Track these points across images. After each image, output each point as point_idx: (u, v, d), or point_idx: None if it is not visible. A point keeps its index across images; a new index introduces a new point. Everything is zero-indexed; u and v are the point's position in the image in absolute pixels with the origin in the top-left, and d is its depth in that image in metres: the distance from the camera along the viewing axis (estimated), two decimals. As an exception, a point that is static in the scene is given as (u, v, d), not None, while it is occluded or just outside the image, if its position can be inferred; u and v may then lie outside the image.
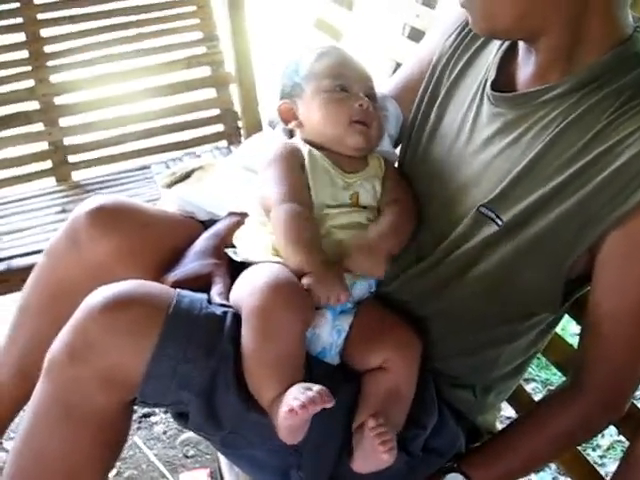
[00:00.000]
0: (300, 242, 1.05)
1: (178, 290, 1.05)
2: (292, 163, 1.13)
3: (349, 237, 1.09)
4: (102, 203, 1.21)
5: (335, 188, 1.13)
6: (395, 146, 1.27)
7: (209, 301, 1.07)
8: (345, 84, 1.16)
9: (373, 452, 0.98)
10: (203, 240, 1.21)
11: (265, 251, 1.10)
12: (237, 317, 1.04)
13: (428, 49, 1.25)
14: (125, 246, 1.19)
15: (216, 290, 1.10)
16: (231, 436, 1.05)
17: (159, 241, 1.22)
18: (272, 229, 1.10)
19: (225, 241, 1.20)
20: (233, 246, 1.19)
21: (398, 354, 1.04)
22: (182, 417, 1.06)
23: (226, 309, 1.05)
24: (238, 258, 1.15)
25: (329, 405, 0.94)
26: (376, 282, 1.12)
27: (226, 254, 1.18)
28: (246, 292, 1.04)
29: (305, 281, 1.02)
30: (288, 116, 1.20)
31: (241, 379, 1.01)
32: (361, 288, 1.10)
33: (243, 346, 1.01)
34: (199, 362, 1.00)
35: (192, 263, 1.17)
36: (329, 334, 1.07)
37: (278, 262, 1.07)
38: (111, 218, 1.20)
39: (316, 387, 0.94)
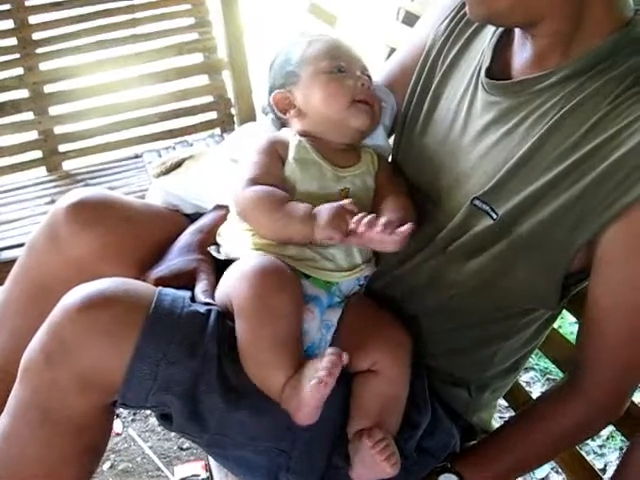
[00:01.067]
0: (286, 209, 1.03)
1: (159, 288, 1.02)
2: (270, 156, 1.10)
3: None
4: (83, 197, 1.17)
5: (324, 181, 1.10)
6: (389, 136, 1.24)
7: (192, 299, 1.04)
8: (343, 65, 1.13)
9: (375, 466, 0.96)
10: (188, 235, 1.18)
11: (246, 247, 1.07)
12: (221, 315, 1.01)
13: (422, 34, 1.22)
14: (107, 241, 1.16)
15: (200, 287, 1.07)
16: (217, 437, 1.02)
17: (142, 236, 1.19)
18: (245, 217, 1.07)
19: (210, 235, 1.17)
20: (217, 243, 1.16)
21: (388, 356, 1.01)
22: (166, 419, 1.03)
23: (210, 307, 1.02)
24: (220, 256, 1.13)
25: (346, 361, 0.93)
26: (365, 277, 1.10)
27: None
28: (234, 283, 1.01)
29: (318, 238, 1.00)
30: (284, 106, 1.16)
31: (224, 378, 0.98)
32: (349, 279, 1.07)
33: (240, 338, 0.98)
34: (181, 363, 0.97)
35: (176, 259, 1.14)
36: (318, 329, 1.04)
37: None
38: (92, 212, 1.17)
39: (328, 350, 0.93)
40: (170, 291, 1.02)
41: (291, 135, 1.14)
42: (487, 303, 1.04)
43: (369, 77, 1.16)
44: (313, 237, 1.01)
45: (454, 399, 1.12)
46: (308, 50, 1.15)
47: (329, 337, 1.05)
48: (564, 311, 1.15)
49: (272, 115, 1.20)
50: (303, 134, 1.13)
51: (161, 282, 1.09)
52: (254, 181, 1.06)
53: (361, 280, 1.09)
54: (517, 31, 1.04)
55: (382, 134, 1.20)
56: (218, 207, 1.22)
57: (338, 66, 1.13)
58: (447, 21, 1.17)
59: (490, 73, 1.06)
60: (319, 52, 1.14)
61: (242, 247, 1.08)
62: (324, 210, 1.01)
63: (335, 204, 1.01)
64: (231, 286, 1.02)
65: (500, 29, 1.08)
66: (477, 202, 1.00)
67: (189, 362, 0.97)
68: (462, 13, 1.14)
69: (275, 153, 1.10)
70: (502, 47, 1.07)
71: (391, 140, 1.24)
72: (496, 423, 1.22)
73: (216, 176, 1.27)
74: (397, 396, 1.03)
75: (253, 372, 0.98)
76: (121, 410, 1.95)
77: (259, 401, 0.99)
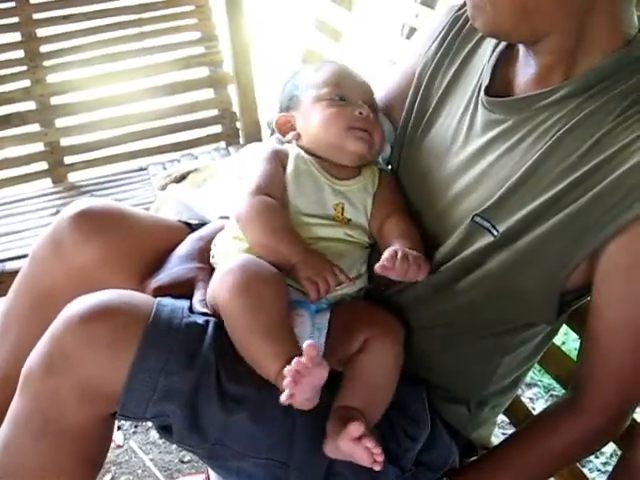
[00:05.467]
0: (283, 231, 1.05)
1: (158, 299, 1.03)
2: (275, 165, 1.12)
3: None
4: (86, 207, 1.18)
5: (320, 194, 1.11)
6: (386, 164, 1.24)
7: (190, 309, 1.04)
8: (344, 93, 1.15)
9: (358, 458, 0.94)
10: (188, 243, 1.19)
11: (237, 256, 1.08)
12: (219, 325, 1.02)
13: (410, 61, 1.23)
14: (110, 250, 1.17)
15: (198, 297, 1.08)
16: (216, 447, 1.02)
17: (145, 245, 1.20)
18: (243, 223, 1.08)
19: (210, 244, 1.18)
20: None
21: (379, 335, 1.02)
22: (166, 430, 1.03)
23: (208, 318, 1.03)
24: (214, 264, 1.14)
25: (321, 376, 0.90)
26: (358, 290, 1.10)
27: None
28: (218, 279, 1.03)
29: (297, 272, 1.01)
30: (286, 128, 1.19)
31: (223, 388, 0.99)
32: (335, 295, 1.08)
33: (229, 329, 0.99)
34: (180, 373, 0.97)
35: (175, 267, 1.15)
36: (310, 333, 1.04)
37: None
38: (96, 222, 1.18)
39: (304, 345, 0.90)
40: (169, 301, 1.03)
41: (292, 148, 1.15)
42: (485, 317, 1.04)
43: (373, 106, 1.17)
44: (292, 271, 1.03)
45: (453, 415, 1.11)
46: (313, 76, 1.18)
47: (323, 340, 1.05)
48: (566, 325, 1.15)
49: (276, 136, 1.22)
50: (304, 150, 1.15)
51: (160, 291, 1.10)
52: (261, 190, 1.08)
53: (353, 294, 1.10)
54: (521, 48, 1.04)
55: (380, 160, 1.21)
56: (221, 218, 1.23)
57: (339, 94, 1.14)
58: (437, 43, 1.17)
59: (490, 91, 1.06)
60: (323, 78, 1.17)
61: (233, 256, 1.08)
62: (311, 262, 1.02)
63: (324, 264, 1.02)
64: (215, 283, 1.03)
65: (500, 46, 1.09)
66: (478, 219, 1.00)
67: (188, 372, 0.97)
68: (455, 31, 1.15)
69: (279, 162, 1.12)
70: (502, 65, 1.07)
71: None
72: (498, 439, 1.21)
73: (226, 194, 1.29)
74: (386, 378, 1.02)
75: (250, 362, 0.98)
76: (122, 422, 1.95)
77: (257, 410, 0.99)
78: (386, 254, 1.01)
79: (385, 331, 1.03)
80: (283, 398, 0.90)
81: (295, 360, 0.89)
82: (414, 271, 1.01)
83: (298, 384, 0.89)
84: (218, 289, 1.02)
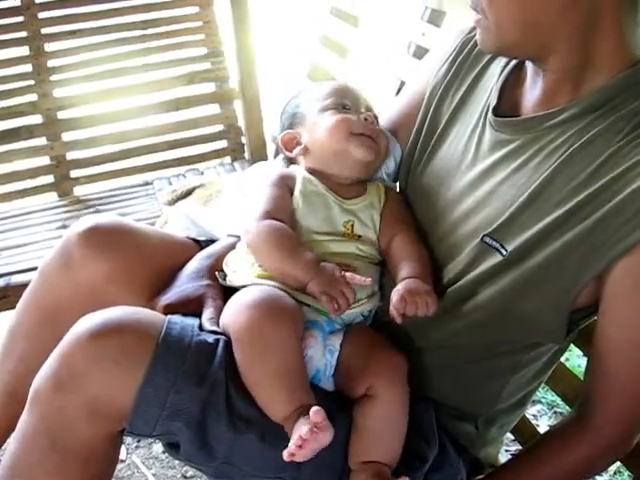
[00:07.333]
0: (294, 251, 1.05)
1: (168, 317, 1.03)
2: (281, 189, 1.13)
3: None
4: (96, 223, 1.19)
5: (330, 213, 1.12)
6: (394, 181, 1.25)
7: (200, 327, 1.04)
8: (348, 103, 1.17)
9: None
10: (197, 261, 1.19)
11: (250, 276, 1.09)
12: (229, 344, 1.02)
13: (421, 81, 1.24)
14: (118, 267, 1.17)
15: (207, 315, 1.08)
16: (224, 466, 1.02)
17: (154, 262, 1.20)
18: (254, 248, 1.09)
19: (219, 262, 1.18)
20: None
21: (382, 379, 1.02)
22: (173, 447, 1.03)
23: (218, 336, 1.03)
24: (225, 283, 1.14)
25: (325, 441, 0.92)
26: (369, 310, 1.11)
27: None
28: (232, 313, 1.03)
29: (312, 289, 1.02)
30: (291, 144, 1.20)
31: (232, 407, 0.99)
32: (351, 313, 1.08)
33: (240, 367, 0.99)
34: (190, 392, 0.97)
35: (184, 285, 1.15)
36: (322, 355, 1.05)
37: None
38: (105, 238, 1.18)
39: (311, 411, 0.92)
40: (179, 319, 1.03)
41: (298, 170, 1.16)
42: (493, 337, 1.04)
43: (376, 117, 1.19)
44: (307, 289, 1.03)
45: (461, 433, 1.11)
46: (316, 91, 1.20)
47: (334, 362, 1.05)
48: (572, 344, 1.15)
49: (282, 155, 1.23)
50: (310, 171, 1.16)
51: (170, 309, 1.10)
52: (269, 215, 1.09)
53: (365, 312, 1.10)
54: (529, 68, 1.05)
55: (385, 177, 1.22)
56: (229, 236, 1.23)
57: (342, 104, 1.17)
58: (447, 65, 1.19)
59: (498, 112, 1.07)
60: (326, 92, 1.19)
61: (247, 276, 1.09)
62: (325, 274, 1.03)
63: (337, 274, 1.03)
64: (230, 317, 1.04)
65: (508, 68, 1.09)
66: (487, 239, 1.01)
67: (197, 391, 0.97)
68: (464, 54, 1.16)
69: (285, 186, 1.13)
70: (510, 86, 1.08)
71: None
72: (502, 457, 1.21)
73: (236, 211, 1.30)
74: (395, 420, 1.02)
75: (255, 397, 0.99)
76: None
77: (266, 429, 0.99)
78: (395, 300, 1.02)
79: (391, 378, 1.03)
80: (285, 455, 0.92)
81: (304, 430, 0.91)
82: (423, 310, 1.02)
83: (303, 448, 0.92)
84: (231, 324, 1.02)
